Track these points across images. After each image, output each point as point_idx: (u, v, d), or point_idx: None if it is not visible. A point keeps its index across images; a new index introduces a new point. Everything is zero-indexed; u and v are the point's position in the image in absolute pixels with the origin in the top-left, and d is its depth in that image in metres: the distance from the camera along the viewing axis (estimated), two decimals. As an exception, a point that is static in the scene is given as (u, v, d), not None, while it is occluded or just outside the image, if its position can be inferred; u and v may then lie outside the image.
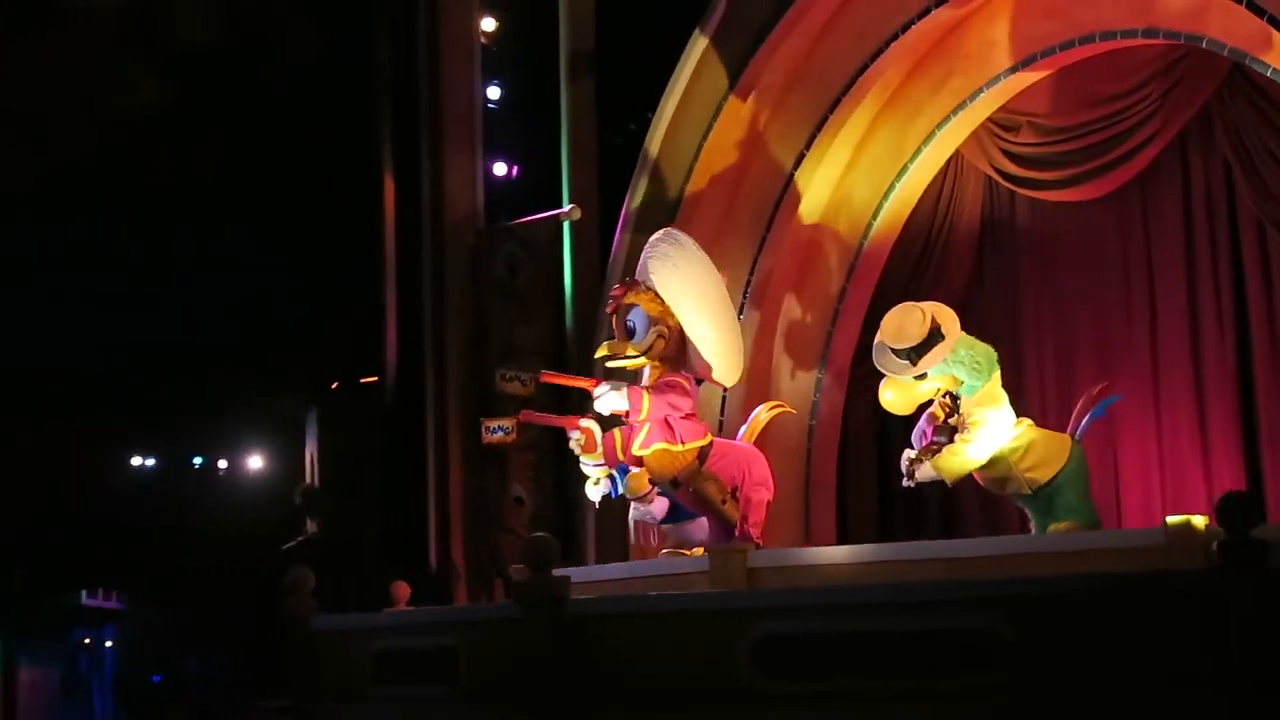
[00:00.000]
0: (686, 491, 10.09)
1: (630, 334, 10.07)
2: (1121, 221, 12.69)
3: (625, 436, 9.89)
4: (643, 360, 10.09)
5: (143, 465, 24.25)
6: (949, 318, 10.02)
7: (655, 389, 9.92)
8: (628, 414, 9.91)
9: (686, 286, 10.12)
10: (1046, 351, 13.04)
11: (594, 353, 10.56)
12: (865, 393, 11.72)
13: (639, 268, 10.32)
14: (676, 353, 10.11)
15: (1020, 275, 13.29)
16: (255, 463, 22.45)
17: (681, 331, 10.07)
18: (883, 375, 10.22)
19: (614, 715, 8.19)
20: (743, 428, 10.87)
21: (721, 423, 12.78)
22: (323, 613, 10.26)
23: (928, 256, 13.56)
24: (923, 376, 9.97)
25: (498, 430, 10.29)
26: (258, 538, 17.14)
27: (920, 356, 9.85)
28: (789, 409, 11.28)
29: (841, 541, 13.03)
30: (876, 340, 10.14)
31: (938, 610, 7.53)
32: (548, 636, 8.34)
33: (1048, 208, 13.05)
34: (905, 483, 10.21)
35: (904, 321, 9.94)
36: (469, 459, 13.65)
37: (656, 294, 10.06)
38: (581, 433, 10.03)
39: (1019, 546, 9.30)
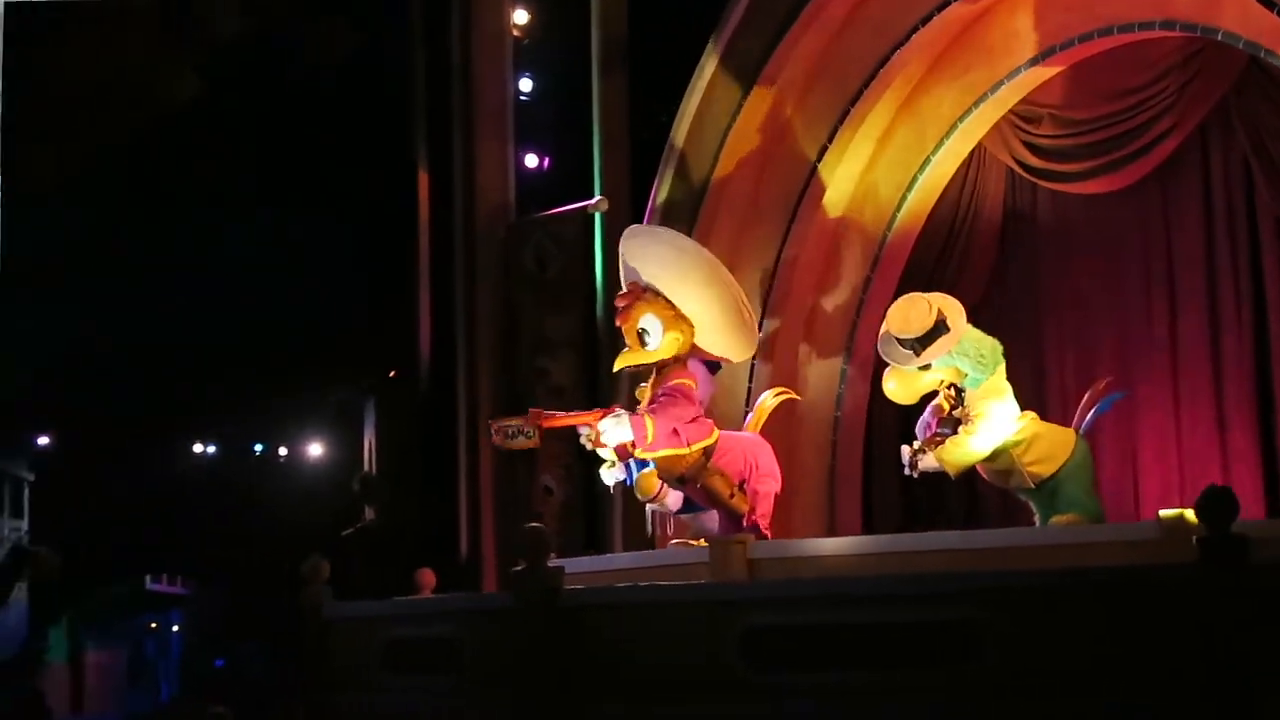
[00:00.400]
0: (694, 487, 10.13)
1: (642, 340, 10.10)
2: (1141, 214, 12.66)
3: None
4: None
5: (204, 453, 24.58)
6: (955, 310, 10.04)
7: (657, 409, 9.91)
8: (634, 444, 9.94)
9: (695, 287, 10.16)
10: (1067, 343, 13.00)
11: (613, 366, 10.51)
12: (891, 386, 11.67)
13: (632, 273, 10.30)
14: (689, 349, 10.18)
15: (1042, 267, 13.25)
16: (315, 450, 22.68)
17: (692, 332, 10.12)
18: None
19: (609, 705, 8.27)
20: (749, 415, 10.90)
21: (747, 413, 12.79)
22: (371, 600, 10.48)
23: (951, 248, 13.52)
24: (927, 367, 10.00)
25: (518, 435, 10.32)
26: (318, 524, 17.33)
27: (925, 347, 9.89)
28: (793, 395, 11.28)
29: (867, 533, 13.04)
30: (882, 330, 10.18)
31: (921, 603, 7.60)
32: (542, 627, 8.44)
33: (1069, 200, 13.01)
34: (908, 472, 10.25)
35: (909, 312, 9.97)
36: (499, 449, 13.74)
37: (665, 298, 10.09)
38: (592, 429, 10.12)
39: (1016, 539, 9.31)
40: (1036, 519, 10.09)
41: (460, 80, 14.47)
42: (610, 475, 10.33)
